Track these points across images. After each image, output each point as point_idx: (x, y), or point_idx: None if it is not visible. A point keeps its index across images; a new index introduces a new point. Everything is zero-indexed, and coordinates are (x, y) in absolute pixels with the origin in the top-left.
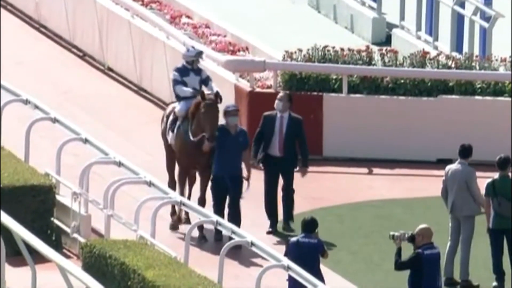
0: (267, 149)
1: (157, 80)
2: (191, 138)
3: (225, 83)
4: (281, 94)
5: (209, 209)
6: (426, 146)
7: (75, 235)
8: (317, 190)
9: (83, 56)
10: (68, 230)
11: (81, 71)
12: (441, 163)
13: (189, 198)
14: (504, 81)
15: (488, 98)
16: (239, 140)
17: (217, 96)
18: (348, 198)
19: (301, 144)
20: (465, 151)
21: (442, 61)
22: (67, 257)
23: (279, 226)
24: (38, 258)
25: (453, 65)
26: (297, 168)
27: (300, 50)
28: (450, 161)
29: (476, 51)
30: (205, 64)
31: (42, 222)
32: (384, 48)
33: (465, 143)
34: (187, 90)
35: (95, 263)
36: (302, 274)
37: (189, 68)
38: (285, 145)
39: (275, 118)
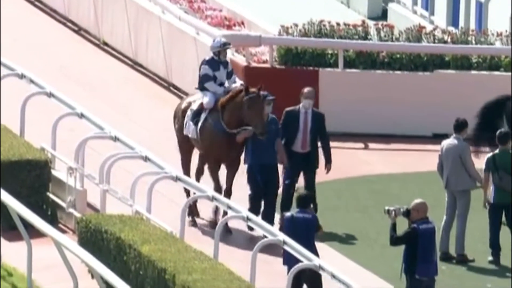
0: (291, 145)
1: (153, 55)
2: (227, 129)
3: None
4: (308, 90)
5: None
6: (422, 121)
7: (71, 210)
8: None
9: (79, 30)
10: (63, 205)
11: (76, 45)
12: (437, 138)
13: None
14: (500, 55)
15: (484, 72)
16: (272, 128)
17: (260, 90)
18: (344, 173)
19: (323, 139)
20: (459, 126)
21: (438, 35)
22: (63, 232)
23: None
24: (34, 232)
25: (449, 40)
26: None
27: (296, 25)
28: (446, 136)
29: (472, 26)
30: (201, 38)
31: (38, 197)
32: (380, 23)
33: (460, 118)
34: (219, 89)
35: (91, 238)
36: (297, 248)
37: (217, 61)
38: (310, 141)
39: (299, 114)
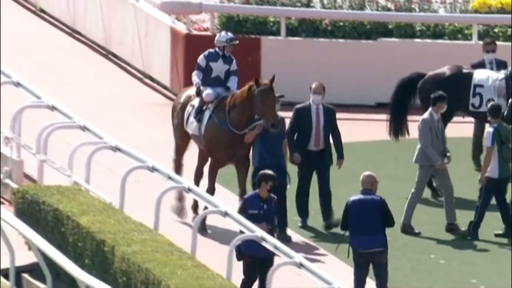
0: (305, 144)
1: (91, 22)
2: (235, 131)
3: (161, 26)
4: (316, 85)
5: None
6: (365, 90)
7: (7, 181)
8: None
9: None
10: None
11: (12, 13)
12: (380, 107)
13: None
14: (444, 23)
15: (427, 40)
16: (281, 128)
17: (272, 81)
18: None
19: (335, 134)
20: (434, 100)
21: (381, 3)
22: None
23: (319, 225)
24: None
25: (392, 8)
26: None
27: None
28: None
29: None
30: (140, 6)
31: None
32: None
33: (437, 92)
34: (196, 81)
35: (28, 209)
36: (240, 220)
37: (220, 54)
38: (323, 138)
39: (310, 110)
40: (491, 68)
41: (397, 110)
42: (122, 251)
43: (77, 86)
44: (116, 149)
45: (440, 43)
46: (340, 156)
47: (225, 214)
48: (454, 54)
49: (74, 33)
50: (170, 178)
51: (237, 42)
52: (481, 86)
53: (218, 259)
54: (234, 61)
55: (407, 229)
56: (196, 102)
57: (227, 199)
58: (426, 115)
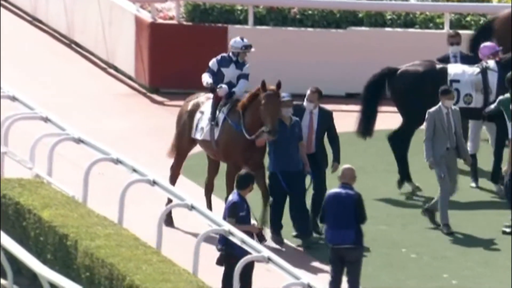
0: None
1: (53, 11)
2: (247, 136)
3: (125, 14)
4: (309, 93)
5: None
6: (334, 80)
7: None
8: None
9: None
10: None
11: None
12: (350, 97)
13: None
14: (415, 12)
15: (398, 29)
16: (295, 131)
17: (279, 87)
18: None
19: (332, 138)
20: (440, 93)
21: None
22: None
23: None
24: None
25: None
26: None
27: None
28: (359, 95)
29: None
30: None
31: None
32: None
33: (444, 86)
34: (206, 81)
35: None
36: (205, 213)
37: (233, 60)
38: (317, 141)
39: (303, 112)
40: (455, 62)
41: (368, 109)
42: (86, 245)
43: (39, 76)
44: (79, 140)
45: (411, 32)
46: (336, 160)
47: (191, 207)
48: (425, 43)
49: (35, 22)
50: (134, 170)
51: (252, 49)
52: (458, 81)
53: (184, 254)
54: (247, 65)
55: (445, 228)
56: (206, 108)
57: (193, 192)
58: (434, 107)
